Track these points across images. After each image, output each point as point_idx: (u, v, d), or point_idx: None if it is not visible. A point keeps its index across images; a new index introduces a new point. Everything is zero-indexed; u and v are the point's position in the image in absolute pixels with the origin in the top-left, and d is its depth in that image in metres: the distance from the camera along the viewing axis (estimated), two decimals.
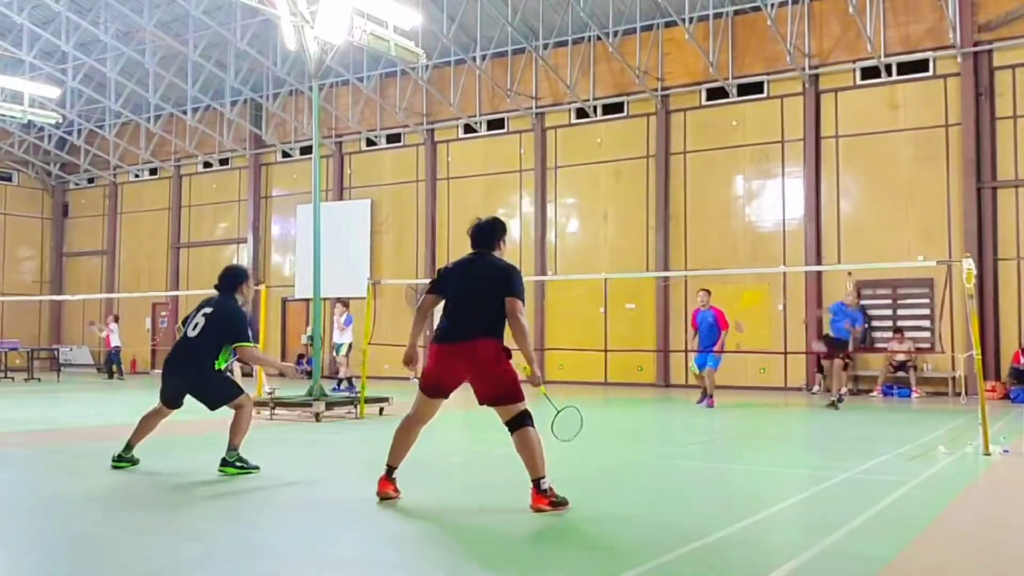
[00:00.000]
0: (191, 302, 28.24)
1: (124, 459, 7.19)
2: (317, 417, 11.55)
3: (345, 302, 19.23)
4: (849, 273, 18.22)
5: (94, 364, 29.13)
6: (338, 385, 18.12)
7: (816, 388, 18.73)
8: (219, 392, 7.22)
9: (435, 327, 5.94)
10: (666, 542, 4.76)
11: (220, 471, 6.86)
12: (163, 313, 29.42)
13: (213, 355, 7.10)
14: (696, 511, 5.83)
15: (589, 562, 4.42)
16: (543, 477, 5.50)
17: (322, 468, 7.88)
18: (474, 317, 5.71)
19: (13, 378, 23.26)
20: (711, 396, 14.38)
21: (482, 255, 6.00)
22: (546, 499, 5.46)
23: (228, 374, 7.76)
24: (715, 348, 14.32)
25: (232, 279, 7.47)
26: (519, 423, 5.59)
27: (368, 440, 9.83)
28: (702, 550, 4.58)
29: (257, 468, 7.00)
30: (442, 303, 5.98)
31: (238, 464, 6.96)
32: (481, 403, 5.71)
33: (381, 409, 12.64)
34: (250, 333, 7.29)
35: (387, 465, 5.86)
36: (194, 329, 7.14)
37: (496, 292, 5.74)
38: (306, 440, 9.72)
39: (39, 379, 23.02)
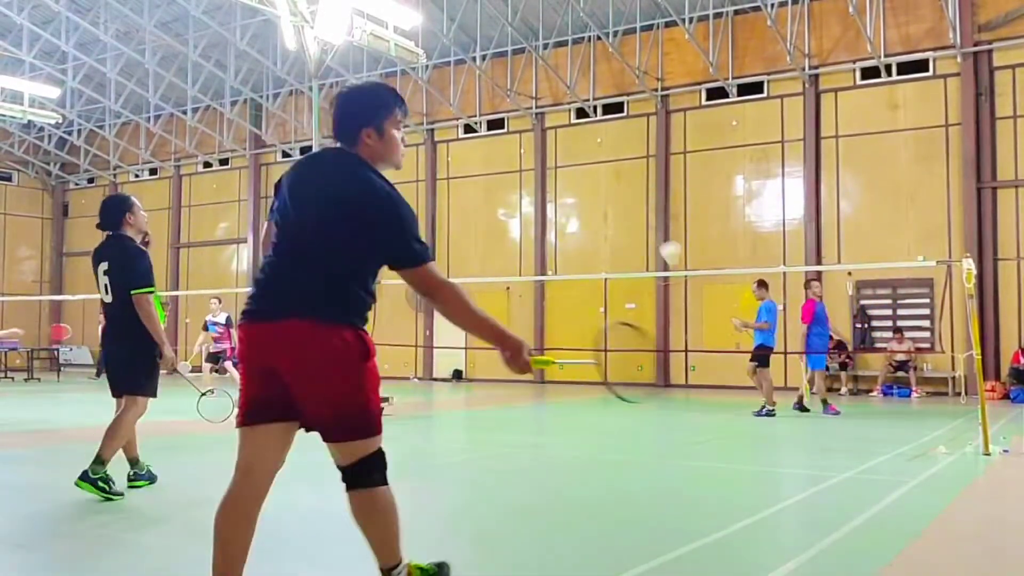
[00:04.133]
0: (191, 302, 28.38)
1: (140, 477, 6.19)
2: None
3: None
4: (849, 273, 18.25)
5: (94, 364, 29.14)
6: None
7: (816, 388, 18.72)
8: (135, 374, 5.88)
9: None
10: (666, 542, 4.76)
11: (77, 484, 5.69)
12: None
13: (134, 318, 5.82)
14: (696, 511, 5.82)
15: (589, 562, 4.42)
16: (398, 565, 3.31)
17: (322, 468, 7.87)
18: (302, 270, 3.10)
19: (13, 378, 23.27)
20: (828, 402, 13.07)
21: (338, 153, 3.26)
22: None
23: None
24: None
25: (115, 211, 6.01)
26: (367, 474, 3.25)
27: None
28: (702, 550, 4.58)
29: (121, 495, 5.79)
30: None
31: (100, 484, 5.69)
32: (309, 428, 3.32)
33: (381, 409, 12.64)
34: (150, 277, 5.92)
35: None
36: (107, 294, 5.93)
37: (351, 227, 3.07)
38: (306, 440, 9.69)
39: (39, 379, 23.03)
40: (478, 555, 4.63)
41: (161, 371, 6.03)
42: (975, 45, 17.81)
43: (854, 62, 19.01)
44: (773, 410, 12.70)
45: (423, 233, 3.35)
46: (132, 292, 5.76)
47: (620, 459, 8.41)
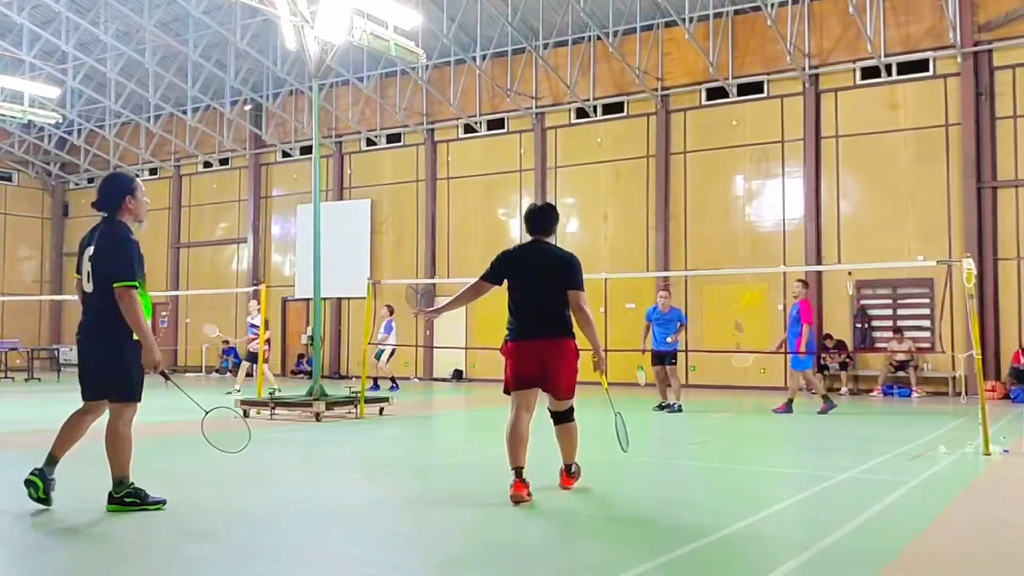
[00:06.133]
0: (191, 302, 28.39)
1: (36, 474, 5.46)
2: (317, 417, 11.55)
3: (391, 308, 19.37)
4: (849, 273, 18.24)
5: None
6: (375, 385, 18.26)
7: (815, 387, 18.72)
8: (118, 379, 5.43)
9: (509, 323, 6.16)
10: (666, 542, 4.76)
11: (109, 510, 5.40)
12: (163, 313, 29.40)
13: (123, 319, 5.29)
14: (696, 511, 5.83)
15: (589, 562, 4.42)
16: (573, 463, 6.30)
17: (322, 468, 7.87)
18: (553, 312, 6.04)
19: (13, 378, 23.27)
20: (790, 401, 13.24)
21: (544, 243, 6.21)
22: (573, 480, 6.30)
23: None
24: (799, 348, 12.92)
25: (115, 191, 5.51)
26: (568, 416, 6.19)
27: (368, 440, 9.82)
28: (702, 550, 4.58)
29: (162, 503, 5.46)
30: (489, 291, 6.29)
31: (128, 500, 5.37)
32: (546, 390, 6.07)
33: (381, 409, 12.65)
34: (139, 269, 5.37)
35: (513, 469, 5.83)
36: (88, 283, 5.44)
37: (563, 283, 6.05)
38: (306, 440, 9.71)
39: (39, 379, 23.02)
40: (478, 555, 4.63)
41: (146, 373, 5.51)
42: (975, 45, 17.80)
43: (854, 62, 19.01)
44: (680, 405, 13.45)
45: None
46: (114, 285, 5.23)
47: (620, 459, 8.41)
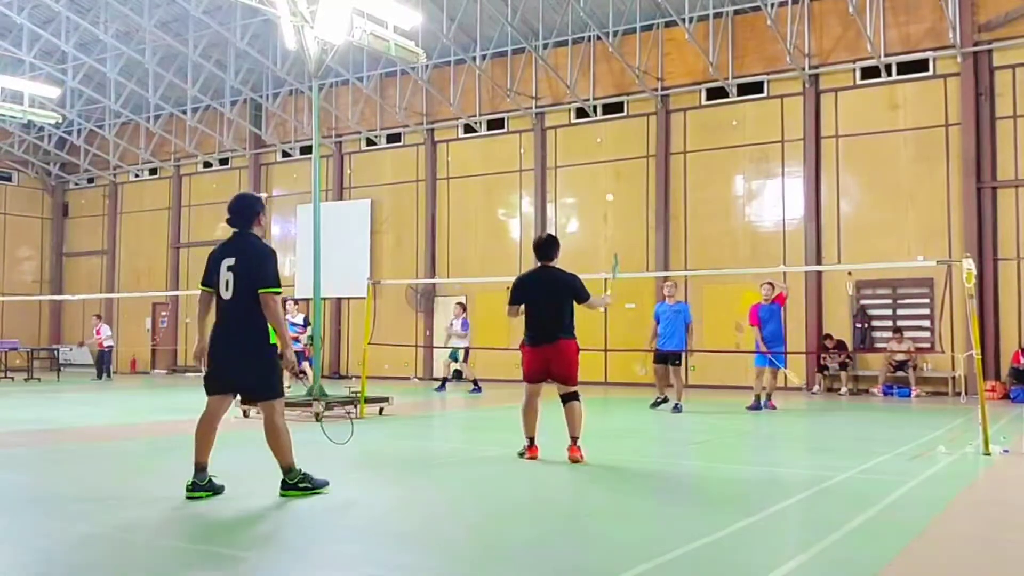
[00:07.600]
0: (191, 302, 28.33)
1: (200, 487, 5.81)
2: (317, 417, 11.53)
3: (464, 305, 19.11)
4: (849, 273, 18.24)
5: (93, 364, 29.19)
6: (475, 386, 18.27)
7: (816, 388, 18.74)
8: (266, 379, 5.86)
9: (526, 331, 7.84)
10: (666, 542, 4.76)
11: (282, 495, 5.88)
12: (163, 313, 29.44)
13: (263, 323, 5.76)
14: (696, 511, 5.82)
15: (588, 561, 4.42)
16: (578, 436, 7.66)
17: (322, 468, 7.86)
18: (557, 322, 7.73)
19: (13, 378, 23.27)
20: (769, 395, 14.14)
21: (549, 268, 7.92)
22: (580, 451, 7.59)
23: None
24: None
25: (249, 211, 6.12)
26: (573, 397, 7.74)
27: (368, 440, 9.81)
28: (702, 550, 4.58)
29: (326, 484, 6.02)
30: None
31: (301, 485, 5.87)
32: (553, 379, 7.74)
33: (381, 409, 12.65)
34: (279, 278, 5.95)
35: (527, 438, 7.79)
36: (227, 291, 5.86)
37: (568, 298, 7.82)
38: (306, 440, 9.69)
39: (39, 379, 23.03)
40: (477, 555, 4.63)
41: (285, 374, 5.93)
42: (975, 45, 17.81)
43: (854, 62, 19.01)
44: (681, 406, 13.42)
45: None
46: (260, 291, 5.74)
47: (620, 459, 8.41)
